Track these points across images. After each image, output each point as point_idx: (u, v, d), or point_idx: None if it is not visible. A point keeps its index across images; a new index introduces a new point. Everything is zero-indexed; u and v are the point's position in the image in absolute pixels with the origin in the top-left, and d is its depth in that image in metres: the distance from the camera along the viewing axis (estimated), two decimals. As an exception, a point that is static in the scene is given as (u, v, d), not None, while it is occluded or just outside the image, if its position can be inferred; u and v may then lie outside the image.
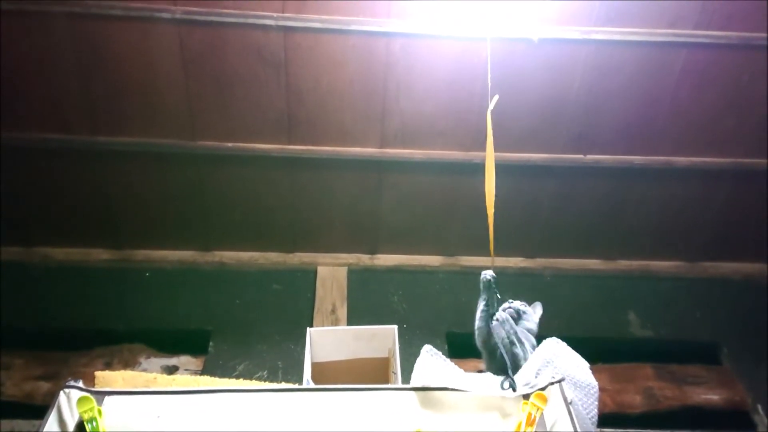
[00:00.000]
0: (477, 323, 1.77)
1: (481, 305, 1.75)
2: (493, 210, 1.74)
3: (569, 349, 1.72)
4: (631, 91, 2.84)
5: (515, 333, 1.68)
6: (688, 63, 2.75)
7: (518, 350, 1.66)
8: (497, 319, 1.69)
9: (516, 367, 1.64)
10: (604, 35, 2.65)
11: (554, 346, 1.67)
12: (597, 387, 1.63)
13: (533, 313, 1.80)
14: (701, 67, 2.77)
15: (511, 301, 1.79)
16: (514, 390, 1.55)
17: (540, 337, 1.78)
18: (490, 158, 1.70)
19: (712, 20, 2.64)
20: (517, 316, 1.74)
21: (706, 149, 3.02)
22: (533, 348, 1.71)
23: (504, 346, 1.66)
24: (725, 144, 3.01)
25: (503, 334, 1.67)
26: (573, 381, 1.60)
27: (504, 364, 1.66)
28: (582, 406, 1.58)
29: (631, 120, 2.93)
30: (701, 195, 3.20)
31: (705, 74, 2.80)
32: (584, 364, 1.71)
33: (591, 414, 1.60)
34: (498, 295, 1.73)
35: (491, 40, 2.34)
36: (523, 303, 1.83)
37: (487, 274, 1.71)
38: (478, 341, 1.78)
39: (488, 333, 1.74)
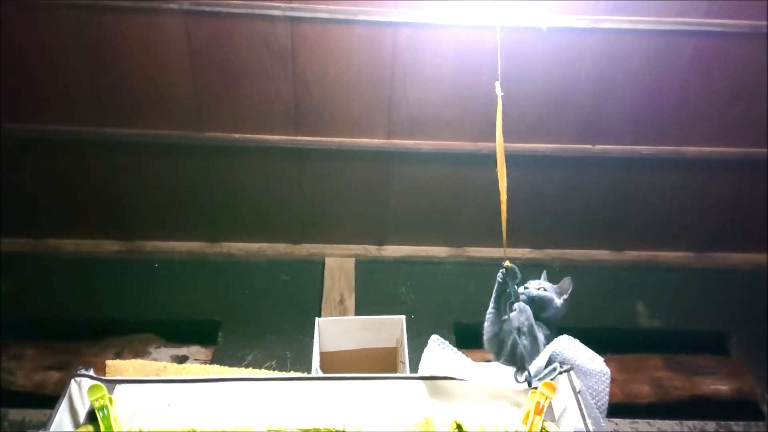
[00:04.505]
0: (486, 323, 1.76)
1: (491, 305, 1.74)
2: (505, 198, 1.72)
3: (581, 345, 1.70)
4: (639, 81, 2.82)
5: (529, 326, 1.66)
6: (697, 52, 2.73)
7: (526, 342, 1.65)
8: (514, 309, 1.68)
9: (522, 359, 1.63)
10: (613, 24, 2.63)
11: (565, 342, 1.66)
12: (609, 374, 1.62)
13: (553, 298, 1.75)
14: (710, 56, 2.75)
15: (526, 286, 1.76)
16: (530, 385, 1.54)
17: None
18: (500, 145, 1.69)
19: (721, 9, 2.61)
20: (533, 303, 1.71)
21: (714, 139, 3.00)
22: (547, 339, 1.69)
23: (515, 337, 1.65)
24: (734, 133, 2.99)
25: (516, 324, 1.66)
26: (583, 369, 1.59)
27: (514, 356, 1.66)
28: (592, 393, 1.58)
29: (640, 109, 2.92)
30: (709, 185, 3.18)
31: (714, 63, 2.77)
32: (597, 357, 1.69)
33: (602, 401, 1.59)
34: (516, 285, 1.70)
35: (500, 29, 2.32)
36: (541, 285, 1.78)
37: (500, 272, 1.68)
38: (486, 338, 1.77)
39: (496, 330, 1.73)
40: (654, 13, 2.62)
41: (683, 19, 2.63)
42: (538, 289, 1.76)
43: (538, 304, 1.73)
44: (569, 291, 1.79)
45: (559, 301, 1.76)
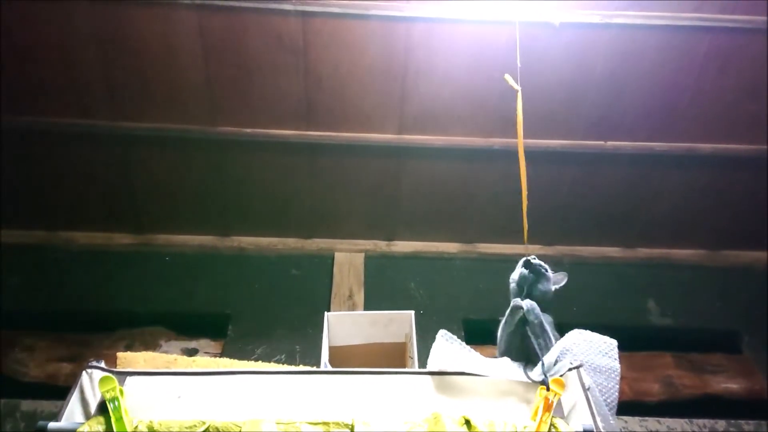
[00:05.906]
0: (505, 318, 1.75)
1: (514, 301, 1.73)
2: (526, 193, 1.73)
3: (592, 334, 1.69)
4: (653, 77, 2.80)
5: (539, 323, 1.66)
6: (712, 48, 2.71)
7: (538, 339, 1.64)
8: (521, 307, 1.67)
9: (536, 356, 1.62)
10: (627, 19, 2.61)
11: (576, 336, 1.65)
12: (619, 370, 1.61)
13: (551, 280, 1.75)
14: (725, 52, 2.72)
15: (534, 257, 1.75)
16: (546, 383, 1.52)
17: (559, 326, 1.76)
18: (520, 141, 1.69)
19: (737, 5, 2.59)
20: (535, 275, 1.70)
21: (728, 136, 2.98)
22: (554, 338, 1.69)
23: (533, 334, 1.64)
24: (748, 130, 2.96)
25: (532, 317, 1.65)
26: (593, 366, 1.59)
27: (524, 351, 1.66)
28: (602, 390, 1.57)
29: (653, 106, 2.90)
30: (722, 182, 3.16)
31: (729, 59, 2.75)
32: (611, 344, 1.67)
33: (611, 398, 1.59)
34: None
35: (512, 24, 2.32)
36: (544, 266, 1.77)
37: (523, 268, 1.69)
38: (502, 334, 1.76)
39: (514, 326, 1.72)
40: (668, 9, 2.60)
41: (698, 15, 2.61)
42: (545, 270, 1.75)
43: (536, 280, 1.72)
44: (561, 284, 1.78)
45: (551, 287, 1.74)
